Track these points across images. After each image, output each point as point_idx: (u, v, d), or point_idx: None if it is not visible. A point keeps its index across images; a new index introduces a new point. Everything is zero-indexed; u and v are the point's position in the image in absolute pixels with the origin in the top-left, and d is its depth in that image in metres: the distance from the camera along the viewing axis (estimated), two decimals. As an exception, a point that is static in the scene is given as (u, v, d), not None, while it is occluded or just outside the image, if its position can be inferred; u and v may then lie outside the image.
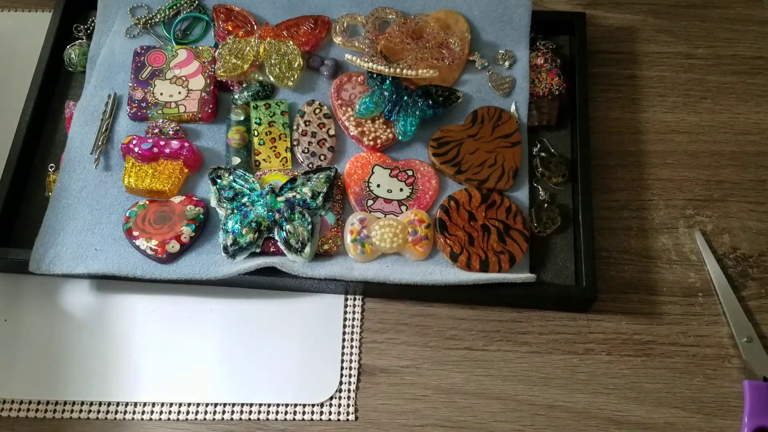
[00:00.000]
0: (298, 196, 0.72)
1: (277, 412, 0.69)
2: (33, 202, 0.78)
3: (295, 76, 0.80)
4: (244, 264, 0.70)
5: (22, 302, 0.74)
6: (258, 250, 0.71)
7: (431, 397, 0.69)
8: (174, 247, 0.70)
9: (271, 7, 0.85)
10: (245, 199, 0.72)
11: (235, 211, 0.71)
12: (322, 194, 0.72)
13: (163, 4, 0.85)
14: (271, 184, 0.73)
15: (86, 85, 0.81)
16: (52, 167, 0.79)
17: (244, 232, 0.70)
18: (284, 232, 0.70)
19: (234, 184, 0.73)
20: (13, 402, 0.69)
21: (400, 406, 0.69)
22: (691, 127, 0.84)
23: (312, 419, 0.68)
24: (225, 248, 0.70)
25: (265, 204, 0.71)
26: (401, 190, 0.76)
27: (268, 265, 0.70)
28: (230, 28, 0.83)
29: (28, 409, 0.69)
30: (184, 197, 0.74)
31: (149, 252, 0.70)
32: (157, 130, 0.77)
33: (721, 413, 0.69)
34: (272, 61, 0.81)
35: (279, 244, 0.71)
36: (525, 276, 0.70)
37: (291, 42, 0.82)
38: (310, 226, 0.70)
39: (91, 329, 0.72)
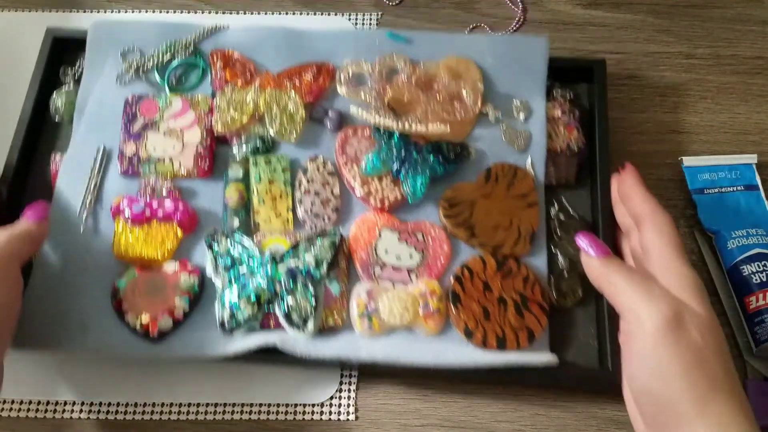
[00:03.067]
0: (300, 265, 0.67)
1: (277, 412, 0.68)
2: (17, 266, 0.72)
3: (298, 130, 0.75)
4: (242, 343, 0.65)
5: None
6: (257, 326, 0.66)
7: (431, 396, 0.69)
8: (167, 323, 0.66)
9: (271, 53, 0.79)
10: (244, 268, 0.67)
11: (233, 282, 0.67)
12: (326, 262, 0.67)
13: (157, 49, 0.80)
14: (271, 251, 0.68)
15: (73, 137, 0.76)
16: (36, 228, 0.73)
17: (242, 305, 0.65)
18: (285, 306, 0.66)
19: (232, 250, 0.68)
20: (13, 402, 0.69)
21: (400, 406, 0.68)
22: (691, 127, 0.83)
23: (312, 419, 0.68)
24: (222, 324, 0.66)
25: (265, 274, 0.66)
26: (411, 256, 0.71)
27: (268, 345, 0.65)
28: (228, 77, 0.77)
29: (29, 409, 0.68)
30: (178, 264, 0.69)
31: (139, 330, 0.65)
32: (149, 190, 0.72)
33: None
34: (273, 114, 0.76)
35: (280, 318, 0.66)
36: (546, 359, 0.65)
37: (293, 92, 0.76)
38: (313, 300, 0.66)
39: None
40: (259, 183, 0.73)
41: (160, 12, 0.91)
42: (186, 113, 0.76)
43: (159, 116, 0.76)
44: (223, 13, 0.90)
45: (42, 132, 0.79)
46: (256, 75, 0.78)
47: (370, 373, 0.70)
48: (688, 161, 0.79)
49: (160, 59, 0.79)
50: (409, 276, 0.70)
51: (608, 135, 0.76)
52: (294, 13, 0.90)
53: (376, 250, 0.71)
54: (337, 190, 0.74)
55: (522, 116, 0.77)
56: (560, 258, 0.72)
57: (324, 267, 0.67)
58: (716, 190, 0.78)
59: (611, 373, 0.65)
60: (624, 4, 0.91)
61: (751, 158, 0.79)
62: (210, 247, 0.68)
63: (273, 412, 0.68)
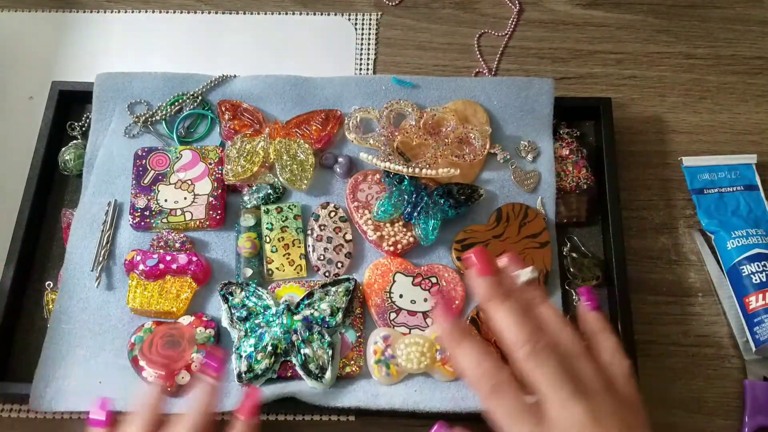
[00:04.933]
0: (316, 314, 0.67)
1: (277, 412, 0.68)
2: (31, 325, 0.72)
3: (308, 178, 0.76)
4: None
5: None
6: (274, 376, 0.66)
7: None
8: (184, 378, 0.65)
9: (278, 102, 0.80)
10: (259, 319, 0.67)
11: (249, 333, 0.67)
12: (341, 310, 0.67)
13: (164, 101, 0.80)
14: (286, 301, 0.68)
15: (84, 192, 0.76)
16: (49, 285, 0.73)
17: (259, 357, 0.65)
18: (302, 356, 0.65)
19: (247, 301, 0.68)
20: (13, 402, 0.69)
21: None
22: (691, 127, 0.84)
23: (312, 419, 0.68)
24: (239, 376, 0.65)
25: (281, 325, 0.66)
26: (425, 300, 0.71)
27: (286, 395, 0.65)
28: (237, 127, 0.78)
29: (29, 410, 0.68)
30: (193, 317, 0.69)
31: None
32: (162, 243, 0.72)
33: (721, 413, 0.69)
34: (283, 162, 0.76)
35: (297, 368, 0.66)
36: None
37: (302, 140, 0.77)
38: (330, 349, 0.65)
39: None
40: (272, 231, 0.73)
41: (160, 12, 0.91)
42: (196, 165, 0.77)
43: (169, 168, 0.76)
44: (223, 13, 0.91)
45: (51, 187, 0.79)
46: (264, 124, 0.78)
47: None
48: (687, 161, 0.80)
49: (168, 111, 0.80)
50: (425, 320, 0.70)
51: (617, 172, 0.76)
52: (294, 13, 0.91)
53: (390, 295, 0.71)
54: (349, 236, 0.74)
55: (530, 157, 0.78)
56: (574, 296, 0.72)
57: (339, 315, 0.67)
58: (716, 190, 0.78)
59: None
60: (624, 3, 0.92)
61: (751, 158, 0.80)
62: (225, 299, 0.68)
63: (273, 412, 0.68)
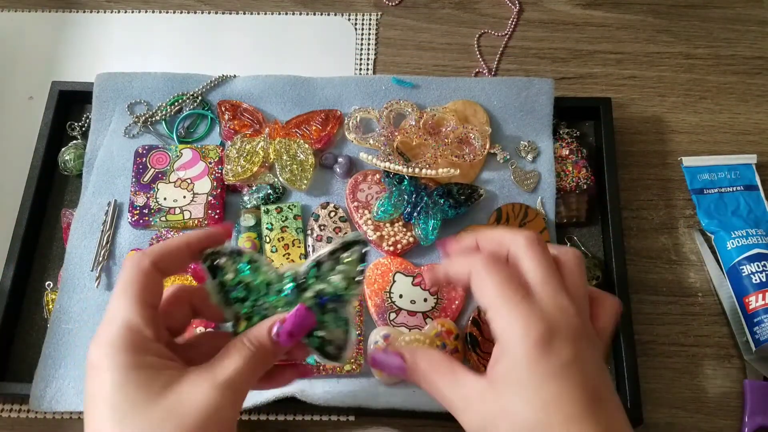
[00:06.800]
0: (329, 288, 0.53)
1: (277, 412, 0.68)
2: (30, 325, 0.72)
3: (308, 178, 0.76)
4: (260, 395, 0.64)
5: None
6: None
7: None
8: (185, 378, 0.65)
9: (279, 102, 0.80)
10: (262, 300, 0.53)
11: (251, 317, 0.53)
12: (357, 281, 0.54)
13: (164, 101, 0.80)
14: (291, 274, 0.53)
15: (83, 192, 0.76)
16: (49, 285, 0.73)
17: None
18: (317, 340, 0.53)
19: (243, 276, 0.53)
20: (13, 402, 0.69)
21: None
22: (691, 127, 0.84)
23: (312, 419, 0.68)
24: None
25: (290, 305, 0.52)
26: (425, 300, 0.71)
27: (286, 396, 0.64)
28: (237, 127, 0.78)
29: (29, 410, 0.68)
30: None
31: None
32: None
33: (721, 413, 0.69)
34: (283, 162, 0.76)
35: (311, 349, 0.54)
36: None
37: (302, 140, 0.77)
38: (346, 326, 0.54)
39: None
40: (272, 231, 0.73)
41: (160, 12, 0.91)
42: (196, 164, 0.77)
43: (169, 167, 0.76)
44: (223, 13, 0.91)
45: (51, 187, 0.79)
46: (264, 124, 0.78)
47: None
48: (687, 161, 0.80)
49: (168, 111, 0.80)
50: (424, 320, 0.70)
51: (617, 172, 0.76)
52: (294, 13, 0.91)
53: (390, 295, 0.71)
54: (349, 236, 0.74)
55: (530, 157, 0.78)
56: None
57: (356, 288, 0.54)
58: (716, 190, 0.78)
59: (630, 411, 0.65)
60: (623, 3, 0.92)
61: (751, 158, 0.80)
62: (212, 272, 0.52)
63: (273, 412, 0.68)
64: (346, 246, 0.54)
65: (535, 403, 0.44)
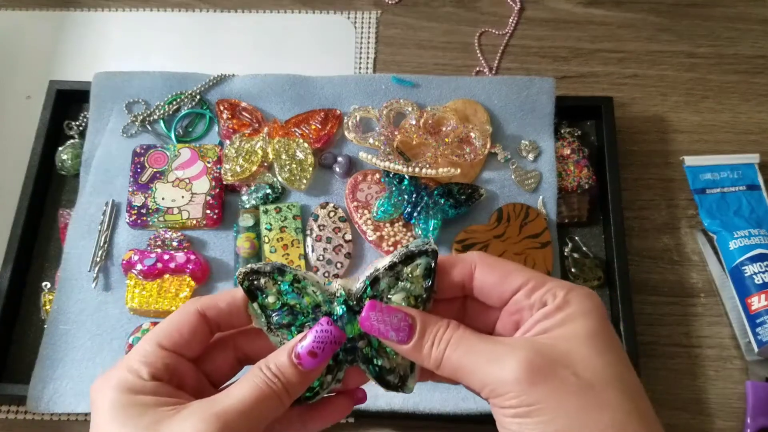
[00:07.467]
0: None
1: None
2: (28, 326, 0.72)
3: (307, 178, 0.75)
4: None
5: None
6: (339, 386, 0.46)
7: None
8: (183, 380, 0.64)
9: (278, 101, 0.80)
10: (309, 324, 0.44)
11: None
12: (423, 300, 0.44)
13: (162, 100, 0.80)
14: (341, 294, 0.44)
15: (81, 192, 0.75)
16: (47, 285, 0.73)
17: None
18: (376, 368, 0.45)
19: (287, 298, 0.45)
20: (10, 403, 0.69)
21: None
22: (693, 126, 0.84)
23: None
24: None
25: (342, 330, 0.44)
26: (426, 300, 0.70)
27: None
28: (236, 126, 0.77)
29: (26, 411, 0.67)
30: (191, 318, 0.68)
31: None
32: (159, 242, 0.72)
33: (723, 414, 0.69)
34: (282, 162, 0.75)
35: (370, 379, 0.46)
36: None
37: (301, 140, 0.76)
38: None
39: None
40: (270, 231, 0.73)
41: (158, 11, 0.91)
42: (194, 163, 0.76)
43: (167, 166, 0.76)
44: (222, 11, 0.91)
45: (49, 187, 0.79)
46: (263, 123, 0.78)
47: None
48: (689, 161, 0.79)
49: (166, 110, 0.79)
50: (426, 321, 0.69)
51: (619, 172, 0.76)
52: (293, 12, 0.91)
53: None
54: (348, 236, 0.73)
55: (531, 156, 0.77)
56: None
57: (422, 303, 0.44)
58: (718, 190, 0.78)
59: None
60: (625, 2, 0.92)
61: (753, 158, 0.79)
62: (252, 295, 0.44)
63: None
64: (409, 258, 0.45)
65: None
